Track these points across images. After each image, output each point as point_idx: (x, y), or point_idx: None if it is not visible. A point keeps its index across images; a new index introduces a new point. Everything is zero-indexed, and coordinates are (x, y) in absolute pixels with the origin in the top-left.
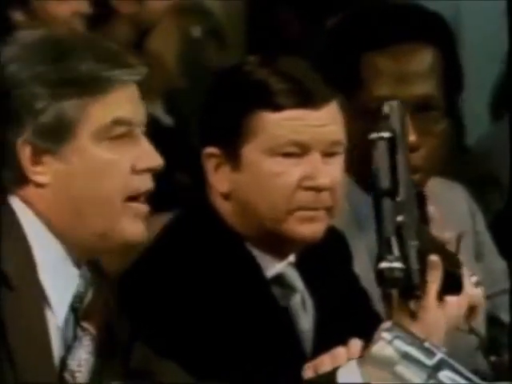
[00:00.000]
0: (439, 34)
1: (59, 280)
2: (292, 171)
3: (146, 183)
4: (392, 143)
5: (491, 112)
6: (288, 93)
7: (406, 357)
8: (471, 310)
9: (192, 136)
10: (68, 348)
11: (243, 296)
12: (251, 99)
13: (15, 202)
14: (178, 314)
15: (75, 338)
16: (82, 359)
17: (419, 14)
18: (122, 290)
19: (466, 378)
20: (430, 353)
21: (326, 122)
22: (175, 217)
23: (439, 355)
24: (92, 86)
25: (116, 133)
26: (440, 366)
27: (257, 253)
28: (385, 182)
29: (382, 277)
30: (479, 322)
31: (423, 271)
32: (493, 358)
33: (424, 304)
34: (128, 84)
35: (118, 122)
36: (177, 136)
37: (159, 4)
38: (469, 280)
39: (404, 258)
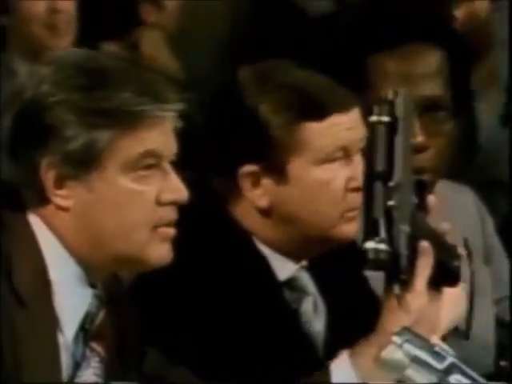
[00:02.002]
0: (446, 35)
1: (72, 300)
2: (339, 175)
3: (169, 215)
4: (392, 128)
5: (500, 114)
6: (322, 101)
7: (415, 360)
8: None
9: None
10: (75, 367)
11: (256, 299)
12: (289, 112)
13: (34, 220)
14: (190, 317)
15: (83, 357)
16: (90, 380)
17: (425, 15)
18: (133, 294)
19: (477, 383)
20: (440, 357)
21: (356, 122)
22: (186, 221)
23: (450, 359)
24: (125, 119)
25: (144, 164)
26: (450, 369)
27: (273, 257)
28: (379, 165)
29: (365, 257)
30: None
31: (414, 257)
32: (502, 363)
33: (411, 289)
34: (162, 118)
35: (147, 155)
36: None
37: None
38: None
39: (391, 241)
